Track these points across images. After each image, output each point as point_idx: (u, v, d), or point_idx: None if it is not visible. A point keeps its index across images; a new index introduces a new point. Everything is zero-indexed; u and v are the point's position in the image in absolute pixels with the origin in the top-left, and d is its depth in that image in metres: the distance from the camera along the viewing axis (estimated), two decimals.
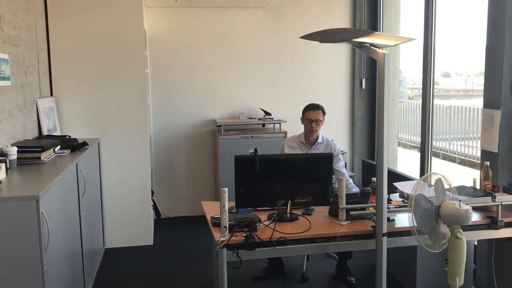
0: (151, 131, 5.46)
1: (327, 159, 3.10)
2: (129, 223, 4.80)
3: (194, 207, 5.60)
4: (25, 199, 2.43)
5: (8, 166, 2.99)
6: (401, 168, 6.26)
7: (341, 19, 5.84)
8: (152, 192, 5.11)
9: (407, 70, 9.53)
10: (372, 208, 2.92)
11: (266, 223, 2.87)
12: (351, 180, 4.12)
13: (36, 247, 2.42)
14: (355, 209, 2.93)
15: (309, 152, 4.05)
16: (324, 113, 4.10)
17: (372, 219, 2.88)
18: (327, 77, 5.92)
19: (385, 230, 2.55)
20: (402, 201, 3.18)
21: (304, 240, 2.76)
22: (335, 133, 5.26)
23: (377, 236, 2.58)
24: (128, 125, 4.70)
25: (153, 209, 5.16)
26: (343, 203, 2.90)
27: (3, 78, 3.27)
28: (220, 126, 5.38)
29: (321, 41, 2.42)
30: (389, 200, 3.10)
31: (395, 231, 2.83)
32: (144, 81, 4.77)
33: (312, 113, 4.04)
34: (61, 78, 4.62)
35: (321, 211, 3.12)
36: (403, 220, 2.93)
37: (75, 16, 4.56)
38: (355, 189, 3.91)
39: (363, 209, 2.95)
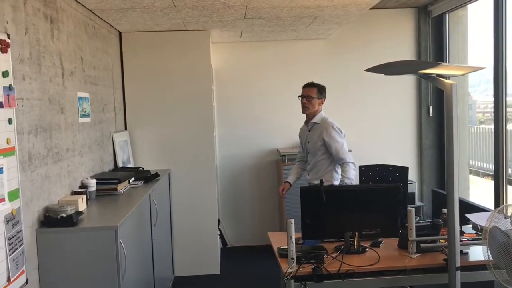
0: (217, 161, 5.61)
1: (395, 190, 3.05)
2: (197, 252, 4.92)
3: (259, 237, 5.64)
4: (104, 229, 2.60)
5: (88, 198, 3.20)
6: (473, 198, 5.99)
7: (405, 47, 5.78)
8: (219, 221, 5.22)
9: (477, 93, 9.18)
10: (443, 241, 2.83)
11: (334, 255, 2.86)
12: (351, 167, 3.83)
13: (114, 275, 2.56)
14: (425, 242, 2.85)
15: (308, 132, 4.05)
16: (320, 92, 4.04)
17: (444, 252, 2.79)
18: (393, 105, 5.84)
19: (458, 264, 2.46)
20: (476, 233, 3.06)
21: (373, 273, 2.72)
22: (403, 162, 5.13)
23: (450, 270, 2.49)
24: (196, 156, 4.89)
25: (220, 238, 5.26)
26: (412, 235, 2.83)
27: (84, 115, 3.53)
28: (284, 155, 5.44)
29: (386, 74, 2.43)
30: (462, 232, 2.99)
31: (469, 265, 2.72)
32: (211, 114, 4.96)
33: (304, 89, 4.06)
34: (134, 113, 4.91)
35: (389, 243, 3.06)
36: (478, 253, 2.81)
37: (147, 56, 4.87)
38: (349, 181, 3.76)
39: (434, 241, 2.87)
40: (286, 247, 2.74)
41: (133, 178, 3.89)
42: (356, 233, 2.97)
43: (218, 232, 5.10)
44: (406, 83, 5.84)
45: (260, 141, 5.77)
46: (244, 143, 5.77)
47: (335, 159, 3.90)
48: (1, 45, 2.25)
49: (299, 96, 4.06)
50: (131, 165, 4.68)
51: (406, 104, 5.88)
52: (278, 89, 5.76)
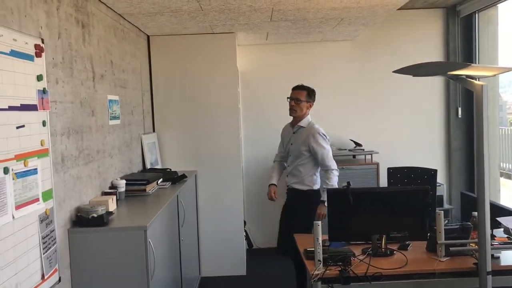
0: (243, 163, 5.64)
1: (424, 192, 3.01)
2: (223, 253, 4.95)
3: None
4: (134, 229, 2.65)
5: (117, 198, 3.27)
6: (504, 201, 5.85)
7: (433, 48, 5.70)
8: (245, 222, 5.24)
9: (507, 94, 8.97)
10: (473, 244, 2.78)
11: (361, 257, 2.84)
12: (335, 174, 3.88)
13: (144, 274, 2.61)
14: (454, 245, 2.81)
15: (292, 134, 4.03)
16: (309, 95, 3.98)
17: (474, 256, 2.75)
18: (420, 106, 5.77)
19: (489, 268, 2.42)
20: (507, 237, 3.00)
21: (401, 276, 2.69)
22: (431, 164, 5.06)
23: (480, 274, 2.44)
24: (223, 157, 4.93)
25: (246, 239, 5.28)
26: (441, 238, 2.80)
27: (114, 118, 3.61)
28: None
29: (414, 75, 2.41)
30: (493, 236, 2.94)
31: (500, 270, 2.67)
32: (237, 115, 5.00)
33: (293, 92, 4.00)
34: (162, 115, 4.98)
35: (417, 246, 3.03)
36: (509, 257, 2.75)
37: (174, 58, 4.93)
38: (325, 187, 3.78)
39: (464, 245, 2.82)
40: (313, 249, 2.75)
41: (161, 179, 3.95)
42: (384, 235, 2.94)
43: (244, 234, 5.12)
44: (434, 84, 5.75)
45: None
46: (270, 145, 5.75)
47: (320, 165, 3.92)
48: (36, 49, 2.32)
49: (287, 98, 4.02)
50: (158, 166, 4.75)
51: (434, 105, 5.80)
52: None
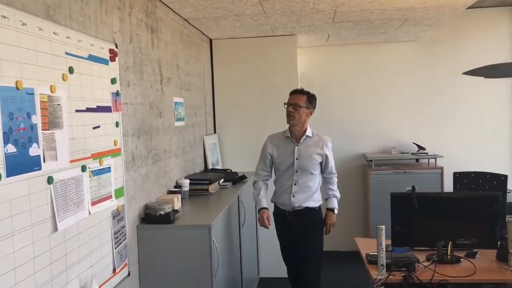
0: None
1: (494, 198, 2.90)
2: (280, 256, 4.95)
3: (344, 242, 5.56)
4: (199, 227, 2.73)
5: (182, 197, 3.37)
6: None
7: (501, 48, 5.42)
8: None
9: None
10: None
11: (425, 263, 2.77)
12: (336, 180, 3.64)
13: (208, 271, 2.68)
14: None
15: (296, 147, 3.44)
16: (309, 101, 3.47)
17: None
18: (488, 108, 5.52)
19: None
20: None
21: (468, 285, 2.61)
22: (501, 169, 4.82)
23: None
24: None
25: None
26: None
27: (180, 119, 3.72)
28: (371, 160, 5.34)
29: (486, 77, 2.32)
30: None
31: None
32: None
33: (291, 97, 3.47)
34: (223, 117, 5.08)
35: (486, 255, 2.91)
36: None
37: (235, 61, 5.02)
38: (338, 194, 3.66)
39: None
40: (375, 253, 2.71)
41: (222, 180, 4.03)
42: (450, 242, 2.86)
43: None
44: (503, 84, 5.48)
45: (346, 145, 5.70)
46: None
47: (327, 173, 3.56)
48: (110, 54, 2.45)
49: (284, 104, 3.49)
50: (219, 167, 4.85)
51: (503, 108, 5.53)
52: (364, 92, 5.67)
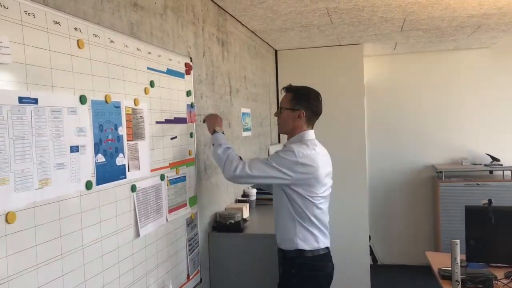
0: (367, 175, 5.54)
1: None
2: (346, 267, 4.89)
3: (412, 256, 5.42)
4: (268, 237, 2.75)
5: (250, 206, 3.42)
6: None
7: None
8: (369, 237, 5.14)
9: None
10: None
11: (504, 281, 2.64)
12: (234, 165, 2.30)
13: (276, 279, 2.69)
14: None
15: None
16: (296, 100, 2.48)
17: None
18: None
19: None
20: None
21: None
22: None
23: None
24: (348, 170, 4.88)
25: (370, 255, 5.17)
26: None
27: (247, 129, 3.79)
28: (441, 172, 5.16)
29: None
30: None
31: None
32: (362, 127, 4.94)
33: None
34: None
35: None
36: None
37: (300, 71, 5.03)
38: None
39: None
40: (449, 268, 2.62)
41: None
42: None
43: (369, 249, 5.02)
44: None
45: (414, 156, 5.56)
46: (396, 159, 5.62)
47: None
48: (186, 67, 2.55)
49: None
50: None
51: None
52: (433, 101, 5.51)
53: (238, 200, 3.43)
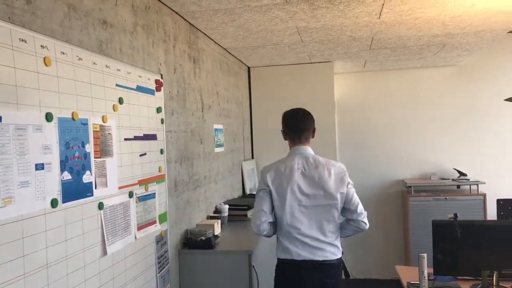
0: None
1: None
2: None
3: (383, 270, 5.47)
4: (239, 253, 2.76)
5: (222, 222, 3.42)
6: None
7: None
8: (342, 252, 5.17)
9: None
10: None
11: None
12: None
13: None
14: None
15: None
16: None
17: None
18: None
19: None
20: None
21: None
22: None
23: None
24: None
25: (342, 269, 5.19)
26: None
27: (219, 145, 3.81)
28: (410, 186, 5.26)
29: None
30: None
31: None
32: (334, 143, 5.02)
33: None
34: (260, 143, 5.15)
35: None
36: None
37: (273, 88, 5.11)
38: None
39: None
40: (417, 282, 2.66)
41: None
42: (495, 272, 2.77)
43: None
44: None
45: (384, 171, 5.66)
46: (367, 174, 5.70)
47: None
48: (156, 84, 2.56)
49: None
50: None
51: None
52: (402, 118, 5.64)
53: (210, 216, 3.42)
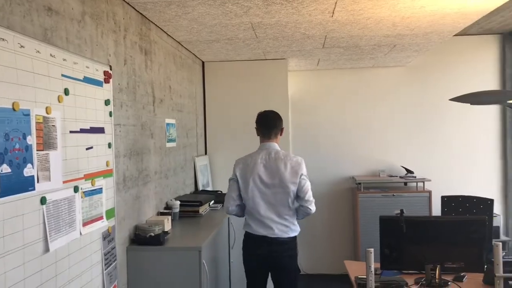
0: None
1: (481, 222, 2.94)
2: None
3: (334, 265, 5.57)
4: (189, 249, 2.73)
5: (172, 218, 3.37)
6: None
7: (488, 75, 5.55)
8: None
9: None
10: None
11: (414, 287, 2.79)
12: None
13: None
14: None
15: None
16: None
17: None
18: (475, 134, 5.61)
19: None
20: None
21: None
22: (487, 194, 4.89)
23: None
24: None
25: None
26: (499, 271, 2.70)
27: (171, 140, 3.75)
28: (360, 183, 5.38)
29: (472, 103, 2.39)
30: None
31: None
32: (287, 140, 5.06)
33: None
34: (214, 138, 5.12)
35: (474, 278, 2.94)
36: None
37: (227, 84, 5.09)
38: None
39: None
40: (365, 276, 2.72)
41: (212, 201, 4.04)
42: (438, 266, 2.88)
43: None
44: (491, 110, 5.59)
45: (335, 168, 5.76)
46: (319, 170, 5.77)
47: None
48: (105, 76, 2.48)
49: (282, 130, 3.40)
50: (210, 188, 4.85)
51: (490, 133, 5.63)
52: (354, 116, 5.75)
53: (160, 212, 3.36)
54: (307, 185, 3.11)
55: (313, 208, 3.12)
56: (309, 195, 3.10)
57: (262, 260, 3.09)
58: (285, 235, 3.08)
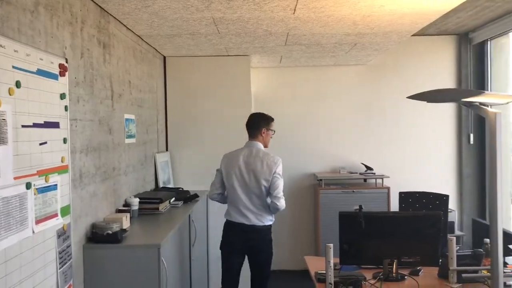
0: None
1: (436, 218, 3.02)
2: None
3: (295, 261, 5.60)
4: (148, 247, 2.68)
5: (131, 216, 3.31)
6: None
7: (445, 75, 5.73)
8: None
9: None
10: (485, 271, 2.77)
11: (372, 281, 2.84)
12: None
13: None
14: (466, 272, 2.80)
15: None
16: None
17: (486, 283, 2.73)
18: (432, 131, 5.78)
19: None
20: None
21: None
22: (443, 190, 5.04)
23: None
24: None
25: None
26: (453, 265, 2.79)
27: (130, 136, 3.67)
28: (321, 180, 5.44)
29: (428, 101, 2.44)
30: (505, 264, 2.92)
31: None
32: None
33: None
34: (176, 135, 5.05)
35: (429, 272, 3.03)
36: None
37: (189, 79, 5.04)
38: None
39: (476, 272, 2.81)
40: (324, 272, 2.75)
41: (173, 198, 3.99)
42: (395, 260, 2.94)
43: None
44: (446, 109, 5.78)
45: (297, 165, 5.80)
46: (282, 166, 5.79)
47: None
48: (60, 69, 2.40)
49: (269, 130, 3.74)
50: (171, 185, 4.79)
51: (445, 131, 5.81)
52: (316, 113, 5.81)
53: (119, 210, 3.29)
54: (278, 182, 3.46)
55: (280, 204, 3.44)
56: (278, 192, 3.45)
57: (239, 246, 3.52)
58: (260, 223, 3.50)
